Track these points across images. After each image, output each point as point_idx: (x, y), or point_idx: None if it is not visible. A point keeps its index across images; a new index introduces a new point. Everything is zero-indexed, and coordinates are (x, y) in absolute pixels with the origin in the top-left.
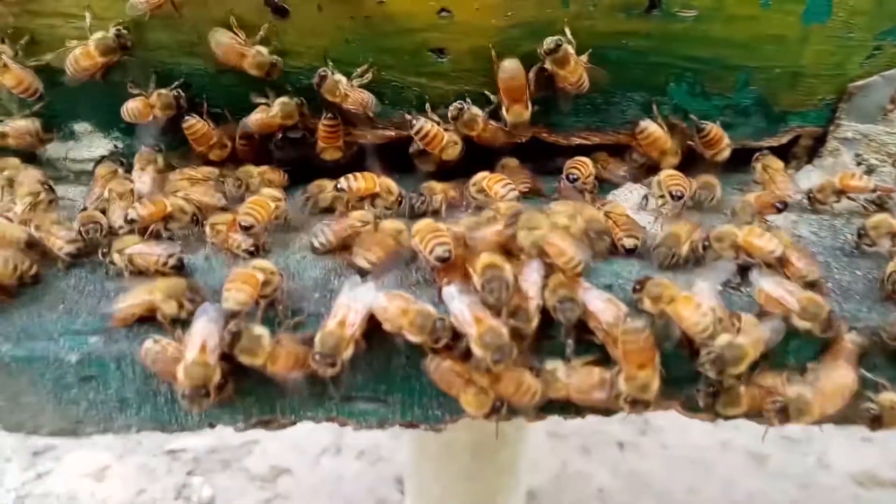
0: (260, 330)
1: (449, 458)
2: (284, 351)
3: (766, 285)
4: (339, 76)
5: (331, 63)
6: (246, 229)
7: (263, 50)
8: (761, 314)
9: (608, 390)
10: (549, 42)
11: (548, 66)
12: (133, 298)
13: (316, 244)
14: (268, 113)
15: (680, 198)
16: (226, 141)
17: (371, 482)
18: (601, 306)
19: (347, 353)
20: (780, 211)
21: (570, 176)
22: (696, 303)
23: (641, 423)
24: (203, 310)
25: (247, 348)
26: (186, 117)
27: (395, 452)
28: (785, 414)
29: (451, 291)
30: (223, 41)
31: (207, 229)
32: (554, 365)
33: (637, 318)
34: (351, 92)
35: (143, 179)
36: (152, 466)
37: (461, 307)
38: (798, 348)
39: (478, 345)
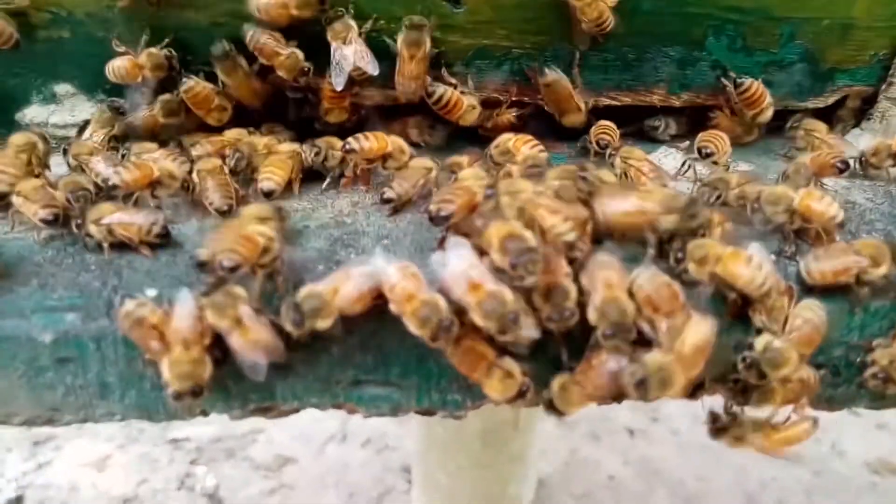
0: (241, 290)
1: (457, 446)
2: (259, 325)
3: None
4: (352, 21)
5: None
6: (267, 195)
7: None
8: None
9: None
10: None
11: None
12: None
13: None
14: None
15: (709, 155)
16: (226, 103)
17: (377, 471)
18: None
19: (326, 322)
20: (842, 171)
21: (601, 142)
22: (745, 256)
23: (651, 410)
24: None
25: (218, 304)
26: (185, 79)
27: (402, 440)
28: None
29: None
30: None
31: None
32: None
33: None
34: (356, 42)
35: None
36: (154, 456)
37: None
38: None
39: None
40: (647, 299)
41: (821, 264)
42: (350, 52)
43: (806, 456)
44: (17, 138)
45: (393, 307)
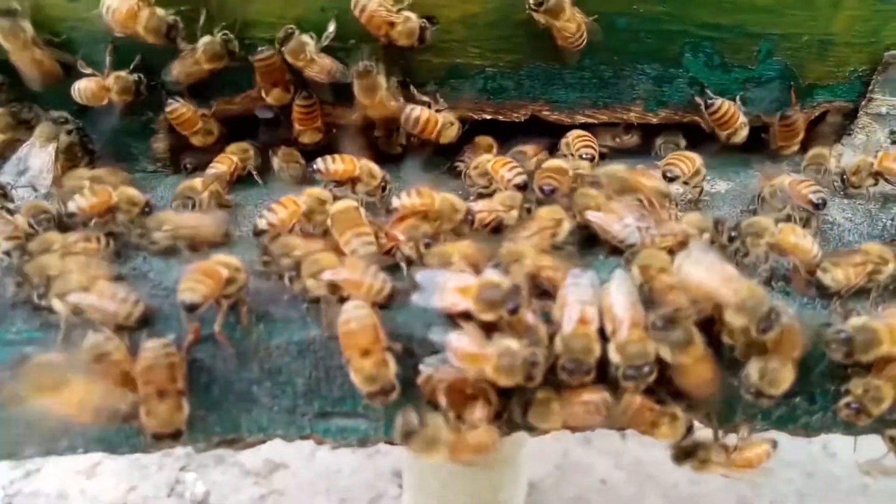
0: None
1: None
2: None
3: None
4: (306, 37)
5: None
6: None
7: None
8: None
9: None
10: None
11: (541, 20)
12: None
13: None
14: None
15: (674, 179)
16: (212, 126)
17: (368, 476)
18: None
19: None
20: (816, 207)
21: (585, 155)
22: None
23: None
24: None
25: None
26: (170, 101)
27: (393, 446)
28: None
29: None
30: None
31: None
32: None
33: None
34: (317, 57)
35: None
36: (144, 462)
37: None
38: None
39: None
40: None
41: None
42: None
43: (797, 457)
44: None
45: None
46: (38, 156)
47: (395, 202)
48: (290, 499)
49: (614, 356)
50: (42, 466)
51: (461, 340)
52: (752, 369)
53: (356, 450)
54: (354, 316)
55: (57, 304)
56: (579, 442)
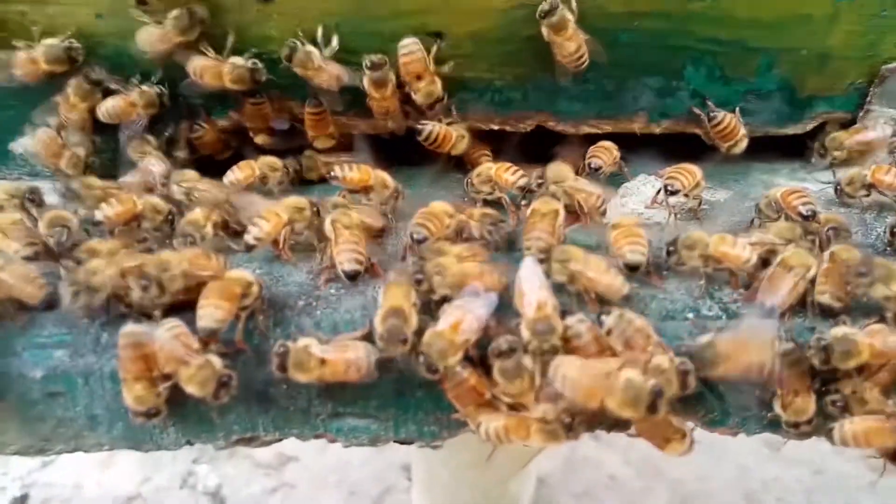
0: None
1: (458, 445)
2: None
3: None
4: (310, 47)
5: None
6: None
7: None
8: None
9: None
10: (544, 4)
11: (544, 33)
12: None
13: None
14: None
15: (674, 192)
16: (231, 142)
17: (378, 469)
18: None
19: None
20: (805, 219)
21: (592, 164)
22: (727, 238)
23: None
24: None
25: None
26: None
27: (403, 445)
28: None
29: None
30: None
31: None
32: None
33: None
34: (324, 64)
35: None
36: (157, 455)
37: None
38: None
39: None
40: None
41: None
42: None
43: (806, 455)
44: None
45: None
46: (157, 164)
47: (336, 172)
48: (300, 491)
49: (524, 333)
50: (57, 458)
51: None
52: (776, 405)
53: None
54: None
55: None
56: (588, 438)
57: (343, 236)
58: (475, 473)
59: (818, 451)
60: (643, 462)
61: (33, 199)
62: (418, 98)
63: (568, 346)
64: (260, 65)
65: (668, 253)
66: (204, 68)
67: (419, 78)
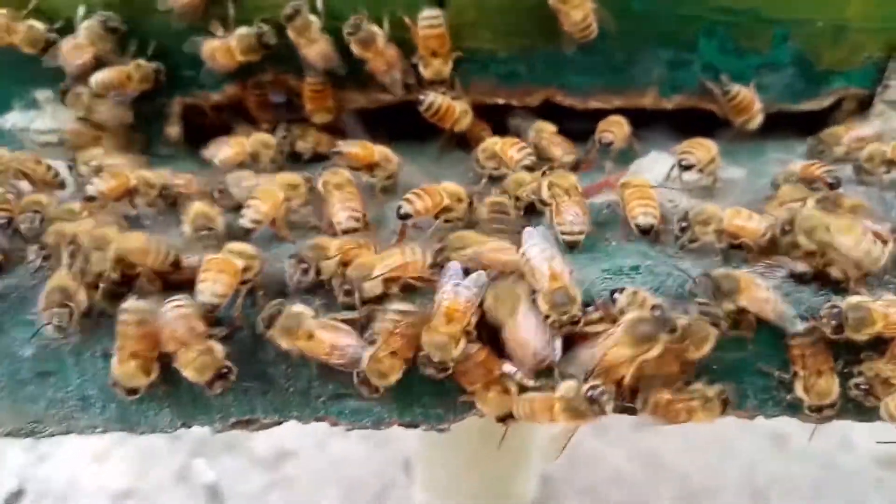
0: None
1: (460, 441)
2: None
3: None
4: (313, 17)
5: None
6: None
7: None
8: None
9: None
10: None
11: (551, 3)
12: None
13: None
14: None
15: (689, 167)
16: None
17: (378, 466)
18: None
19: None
20: (832, 187)
21: (603, 139)
22: (741, 212)
23: None
24: None
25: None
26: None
27: (404, 435)
28: None
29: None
30: None
31: None
32: None
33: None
34: (320, 39)
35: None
36: (154, 448)
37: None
38: None
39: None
40: None
41: None
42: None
43: (814, 451)
44: None
45: None
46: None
47: (339, 147)
48: (299, 487)
49: (542, 306)
50: (53, 452)
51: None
52: (798, 388)
53: (366, 439)
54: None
55: None
56: (593, 433)
57: (335, 196)
58: (478, 471)
59: (825, 447)
60: (648, 457)
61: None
62: (426, 73)
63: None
64: (265, 27)
65: (682, 230)
66: (214, 49)
67: (434, 54)
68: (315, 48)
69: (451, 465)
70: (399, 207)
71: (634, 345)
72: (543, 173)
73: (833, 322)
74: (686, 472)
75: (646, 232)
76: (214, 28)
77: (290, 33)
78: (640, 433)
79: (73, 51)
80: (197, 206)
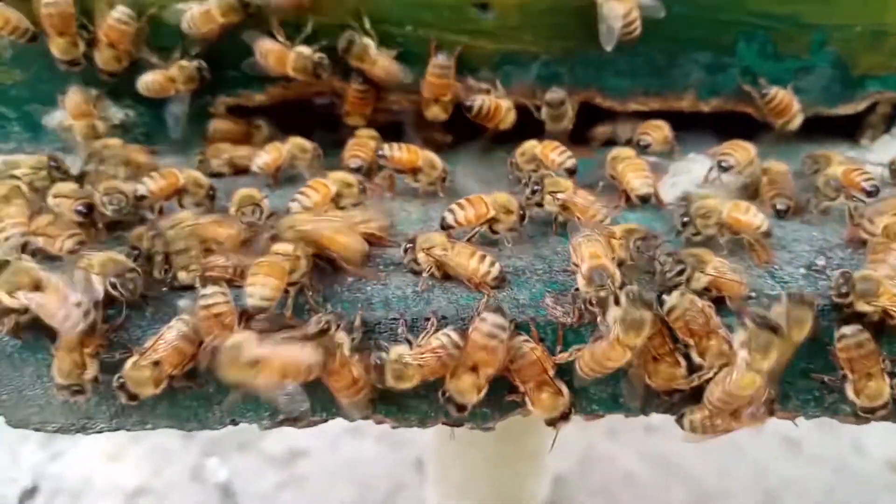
0: None
1: (473, 442)
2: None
3: None
4: (367, 40)
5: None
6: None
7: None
8: None
9: None
10: None
11: None
12: None
13: None
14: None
15: (728, 168)
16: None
17: (390, 465)
18: None
19: None
20: (869, 195)
21: (642, 142)
22: (740, 205)
23: None
24: None
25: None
26: None
27: (416, 435)
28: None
29: None
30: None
31: None
32: None
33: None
34: (380, 58)
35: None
36: (167, 447)
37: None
38: None
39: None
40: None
41: None
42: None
43: (826, 453)
44: None
45: None
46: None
47: (384, 151)
48: (311, 486)
49: (580, 284)
50: (67, 450)
51: None
52: (848, 391)
53: (379, 439)
54: None
55: None
56: (605, 434)
57: None
58: (491, 471)
59: (838, 451)
60: (660, 459)
61: (57, 167)
62: (426, 113)
63: None
64: (326, 60)
65: (683, 224)
66: (270, 51)
67: (437, 101)
68: (378, 68)
69: (464, 465)
70: (442, 218)
71: None
72: None
73: (843, 288)
74: (698, 474)
75: (645, 200)
76: (278, 33)
77: (352, 62)
78: (652, 435)
79: (202, 17)
80: (242, 191)
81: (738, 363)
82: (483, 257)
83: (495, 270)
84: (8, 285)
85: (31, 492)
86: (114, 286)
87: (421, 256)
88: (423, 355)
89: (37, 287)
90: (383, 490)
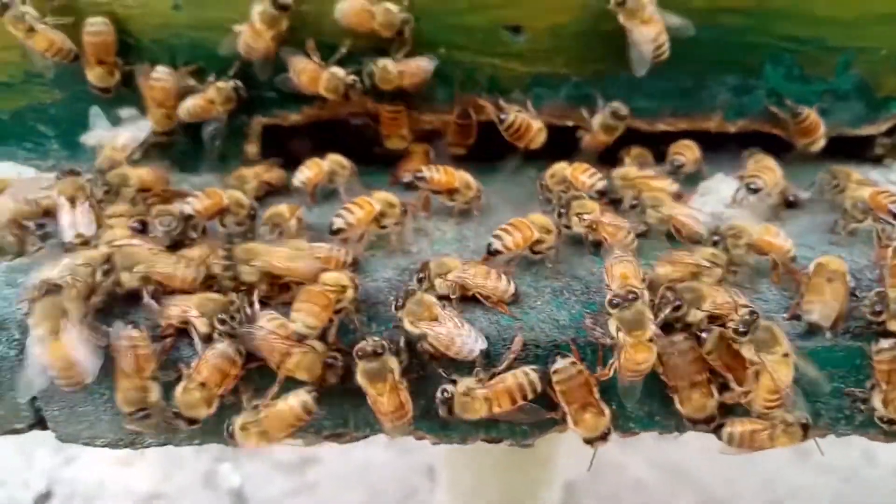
0: None
1: (484, 449)
2: None
3: None
4: (383, 60)
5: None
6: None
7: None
8: None
9: None
10: None
11: (622, 21)
12: None
13: None
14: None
15: (757, 190)
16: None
17: (401, 472)
18: None
19: None
20: None
21: (676, 161)
22: (771, 228)
23: None
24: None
25: None
26: None
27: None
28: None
29: None
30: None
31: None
32: None
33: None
34: (405, 67)
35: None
36: (180, 452)
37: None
38: None
39: None
40: None
41: None
42: None
43: (836, 462)
44: None
45: None
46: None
47: (423, 173)
48: (322, 492)
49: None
50: (81, 455)
51: None
52: (875, 400)
53: (390, 446)
54: None
55: None
56: (614, 441)
57: None
58: (502, 478)
59: (848, 459)
60: (670, 466)
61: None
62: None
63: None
64: (359, 84)
65: (714, 243)
66: (304, 70)
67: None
68: (407, 77)
69: (475, 471)
70: (489, 244)
71: None
72: None
73: (877, 307)
74: (706, 481)
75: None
76: (313, 53)
77: (384, 87)
78: (662, 443)
79: (253, 37)
80: (273, 208)
81: (767, 366)
82: (499, 275)
83: (513, 287)
84: None
85: (45, 496)
86: (222, 322)
87: (439, 282)
88: (496, 387)
89: None
90: (394, 496)
